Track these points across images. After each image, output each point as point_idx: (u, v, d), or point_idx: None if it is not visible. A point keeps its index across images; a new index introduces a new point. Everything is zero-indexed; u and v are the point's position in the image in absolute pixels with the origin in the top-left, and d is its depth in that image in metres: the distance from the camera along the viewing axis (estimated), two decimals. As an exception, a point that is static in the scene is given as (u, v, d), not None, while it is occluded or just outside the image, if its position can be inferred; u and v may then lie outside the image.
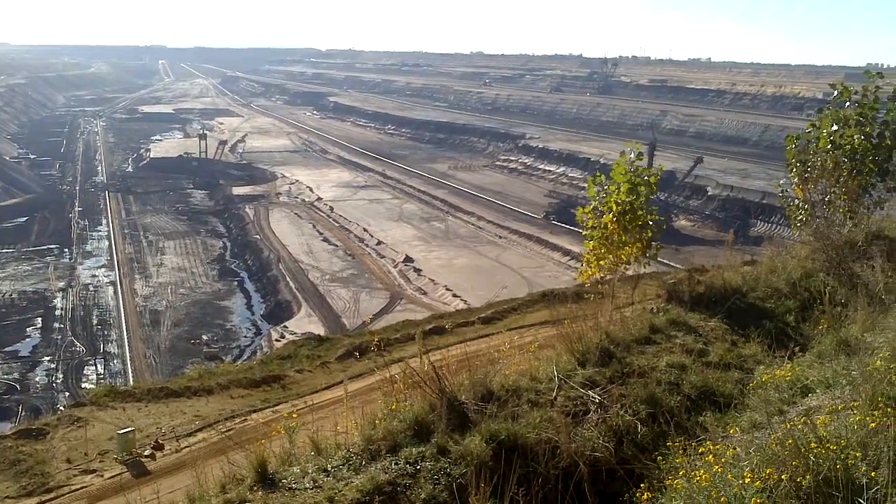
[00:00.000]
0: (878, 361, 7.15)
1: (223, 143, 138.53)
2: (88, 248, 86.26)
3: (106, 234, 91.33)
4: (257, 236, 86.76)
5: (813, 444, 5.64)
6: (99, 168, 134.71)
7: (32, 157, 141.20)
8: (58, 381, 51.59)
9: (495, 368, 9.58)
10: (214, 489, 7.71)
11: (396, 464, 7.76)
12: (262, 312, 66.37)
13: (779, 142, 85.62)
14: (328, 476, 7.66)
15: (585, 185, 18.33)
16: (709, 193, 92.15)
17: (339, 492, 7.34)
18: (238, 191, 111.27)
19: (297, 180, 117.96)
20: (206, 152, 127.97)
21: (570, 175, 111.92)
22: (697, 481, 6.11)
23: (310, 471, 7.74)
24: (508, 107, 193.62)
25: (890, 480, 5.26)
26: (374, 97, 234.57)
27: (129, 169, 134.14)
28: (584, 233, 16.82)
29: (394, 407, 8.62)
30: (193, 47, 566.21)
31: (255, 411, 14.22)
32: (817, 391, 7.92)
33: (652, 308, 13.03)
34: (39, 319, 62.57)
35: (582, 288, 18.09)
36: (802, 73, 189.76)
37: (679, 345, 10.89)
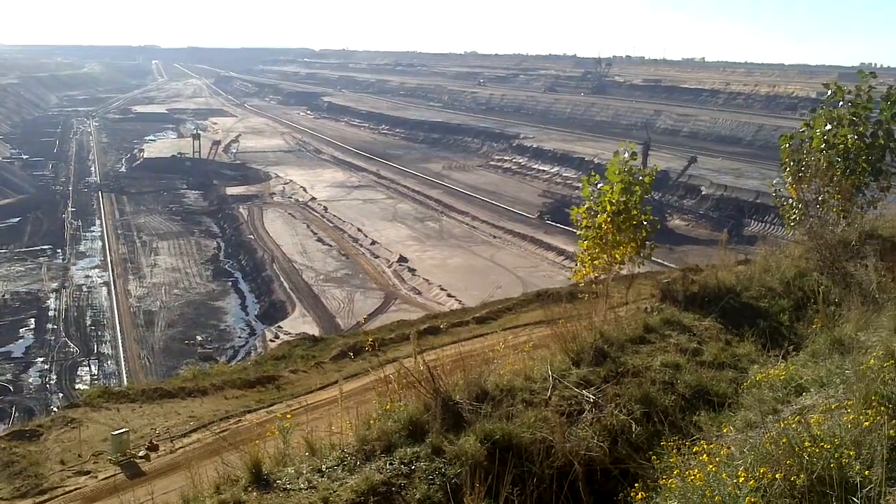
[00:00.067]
0: (872, 360, 7.16)
1: (217, 143, 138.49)
2: (82, 248, 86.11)
3: (99, 234, 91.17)
4: (251, 236, 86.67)
5: (807, 443, 5.64)
6: (92, 168, 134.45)
7: (25, 157, 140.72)
8: (51, 382, 51.50)
9: (490, 368, 9.57)
10: (209, 490, 7.69)
11: (391, 464, 7.75)
12: (256, 313, 66.34)
13: (772, 141, 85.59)
14: (323, 476, 7.64)
15: (580, 184, 18.32)
16: (703, 193, 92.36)
17: (334, 492, 7.33)
18: (232, 191, 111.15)
19: (290, 180, 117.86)
20: (199, 152, 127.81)
21: (564, 175, 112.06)
22: (692, 480, 6.11)
23: (304, 471, 7.72)
24: (503, 107, 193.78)
25: (884, 479, 5.27)
26: (368, 97, 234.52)
27: (123, 169, 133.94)
28: (578, 232, 16.83)
29: (388, 407, 8.61)
30: (187, 47, 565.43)
31: (249, 412, 14.19)
32: (811, 390, 7.93)
33: (646, 307, 13.03)
34: (33, 320, 62.43)
35: (576, 288, 18.07)
36: (796, 73, 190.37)
37: (673, 344, 10.89)
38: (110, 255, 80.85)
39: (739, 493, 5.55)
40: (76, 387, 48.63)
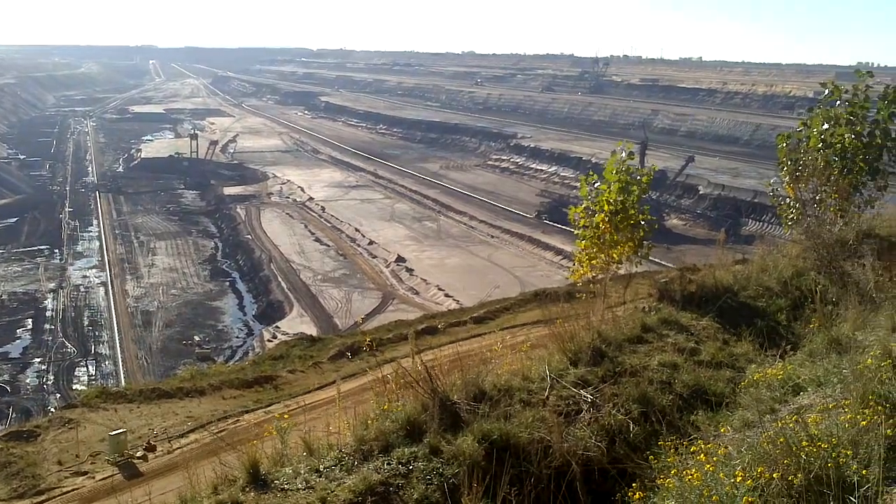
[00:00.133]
0: (869, 360, 7.17)
1: (214, 143, 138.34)
2: (79, 248, 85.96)
3: (97, 234, 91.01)
4: (249, 236, 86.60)
5: (804, 443, 5.65)
6: (89, 168, 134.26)
7: (22, 157, 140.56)
8: (49, 382, 51.40)
9: (487, 368, 9.58)
10: (206, 490, 7.69)
11: (389, 464, 7.75)
12: (253, 313, 66.25)
13: (770, 141, 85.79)
14: (320, 477, 7.64)
15: (577, 184, 18.35)
16: (700, 192, 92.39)
17: (332, 492, 7.33)
18: (229, 191, 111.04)
19: (288, 180, 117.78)
20: (197, 152, 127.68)
21: (561, 174, 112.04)
22: (689, 480, 6.12)
23: (302, 471, 7.73)
24: (500, 106, 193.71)
25: (881, 478, 5.28)
26: (365, 97, 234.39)
27: (120, 169, 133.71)
28: (575, 232, 16.85)
29: (386, 407, 8.61)
30: (184, 47, 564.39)
31: (247, 412, 14.20)
32: (809, 390, 7.94)
33: (644, 307, 13.05)
34: (30, 321, 62.29)
35: (574, 287, 18.09)
36: (793, 73, 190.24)
37: (671, 344, 10.90)
38: (108, 256, 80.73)
39: (737, 493, 5.56)
40: (74, 387, 48.53)
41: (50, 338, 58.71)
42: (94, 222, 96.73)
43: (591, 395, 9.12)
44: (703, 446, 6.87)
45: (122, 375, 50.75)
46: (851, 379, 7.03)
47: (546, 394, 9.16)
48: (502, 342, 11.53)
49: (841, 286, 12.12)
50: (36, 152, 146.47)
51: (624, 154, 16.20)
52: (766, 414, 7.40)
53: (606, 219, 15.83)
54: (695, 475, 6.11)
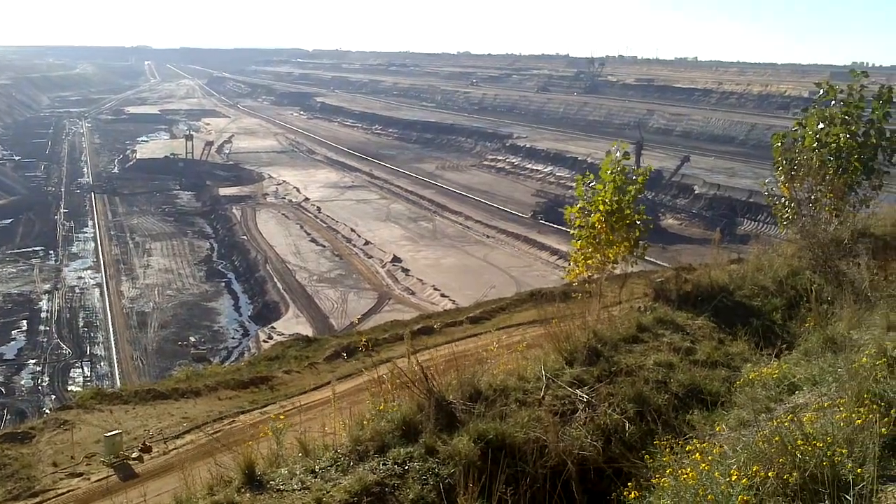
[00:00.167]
0: (864, 358, 7.18)
1: (210, 143, 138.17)
2: (74, 249, 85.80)
3: (92, 235, 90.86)
4: (244, 237, 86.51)
5: (799, 442, 5.65)
6: (84, 169, 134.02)
7: (17, 158, 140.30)
8: (44, 383, 51.30)
9: (483, 368, 9.58)
10: (202, 491, 7.68)
11: (384, 464, 7.74)
12: (249, 313, 66.20)
13: (765, 140, 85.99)
14: (316, 477, 7.64)
15: (573, 184, 18.37)
16: (696, 192, 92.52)
17: (327, 493, 7.32)
18: (225, 192, 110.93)
19: (284, 181, 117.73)
20: (192, 153, 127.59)
21: (557, 174, 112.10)
22: (684, 479, 6.12)
23: (297, 472, 7.72)
24: (496, 106, 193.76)
25: (875, 477, 5.28)
26: (361, 97, 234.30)
27: (115, 170, 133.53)
28: (571, 232, 16.84)
29: (382, 407, 8.61)
30: (180, 48, 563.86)
31: (242, 413, 14.17)
32: (804, 388, 7.95)
33: (639, 307, 13.06)
34: (25, 322, 62.19)
35: (570, 287, 18.11)
36: (788, 72, 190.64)
37: (666, 343, 10.92)
38: (103, 257, 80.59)
39: (732, 492, 5.56)
40: (69, 388, 48.47)
41: (45, 339, 58.60)
42: (90, 223, 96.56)
43: (586, 394, 9.13)
44: (698, 445, 6.87)
45: (117, 376, 50.68)
46: (846, 378, 7.05)
47: (542, 393, 9.16)
48: (498, 342, 11.55)
49: (836, 285, 12.13)
50: (31, 153, 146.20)
51: (619, 154, 16.20)
52: (761, 413, 7.41)
53: (602, 219, 15.83)
54: (690, 474, 6.11)
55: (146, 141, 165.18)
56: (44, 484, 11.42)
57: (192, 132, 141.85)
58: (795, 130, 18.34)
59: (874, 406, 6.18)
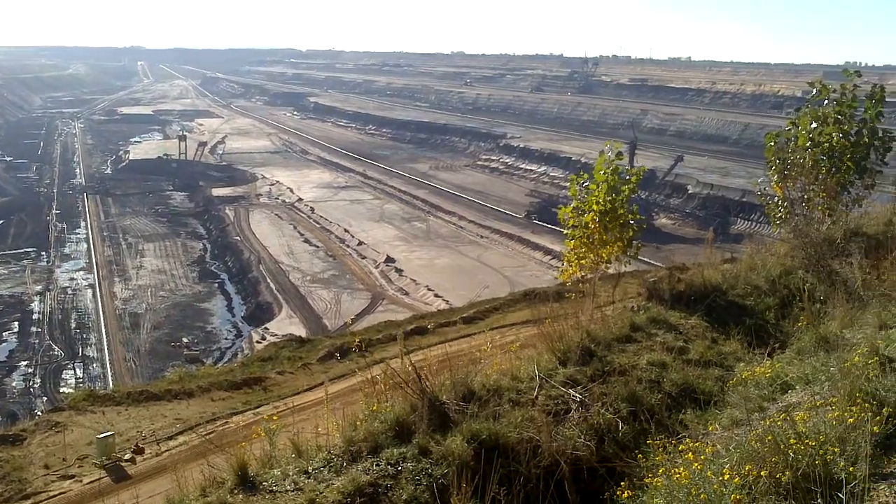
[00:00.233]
0: (857, 357, 7.19)
1: (203, 144, 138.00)
2: (66, 250, 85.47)
3: (84, 236, 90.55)
4: (237, 238, 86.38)
5: (792, 440, 5.66)
6: (77, 170, 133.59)
7: (9, 159, 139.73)
8: (35, 385, 51.11)
9: (477, 368, 9.57)
10: (195, 493, 7.65)
11: (378, 465, 7.73)
12: (242, 314, 66.06)
13: (758, 140, 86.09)
14: (309, 478, 7.62)
15: (566, 184, 18.37)
16: (689, 192, 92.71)
17: (321, 493, 7.30)
18: (218, 192, 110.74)
19: (277, 181, 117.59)
20: (185, 154, 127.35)
21: (551, 174, 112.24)
22: (677, 479, 6.13)
23: (290, 473, 7.70)
24: (489, 106, 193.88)
25: (867, 475, 5.29)
26: (354, 97, 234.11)
27: (108, 171, 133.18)
28: (565, 232, 16.87)
29: (375, 408, 8.59)
30: (173, 48, 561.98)
31: (235, 414, 14.14)
32: (797, 387, 7.96)
33: (633, 306, 13.07)
34: (16, 324, 61.92)
35: (563, 287, 18.10)
36: (782, 72, 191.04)
37: (660, 343, 10.93)
38: (95, 258, 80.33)
39: (725, 491, 5.56)
40: (61, 390, 48.25)
41: (37, 341, 58.37)
42: (82, 224, 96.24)
43: (580, 394, 9.13)
44: (691, 445, 6.88)
45: (109, 378, 50.51)
46: (839, 376, 7.05)
47: (535, 393, 9.15)
48: (492, 342, 11.52)
49: (829, 284, 12.16)
50: (23, 154, 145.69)
51: (612, 154, 16.23)
52: (754, 412, 7.41)
53: (596, 218, 15.85)
54: (683, 473, 6.11)
55: (139, 142, 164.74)
56: (35, 486, 11.37)
57: (185, 133, 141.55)
58: (788, 130, 18.41)
59: (866, 405, 6.19)
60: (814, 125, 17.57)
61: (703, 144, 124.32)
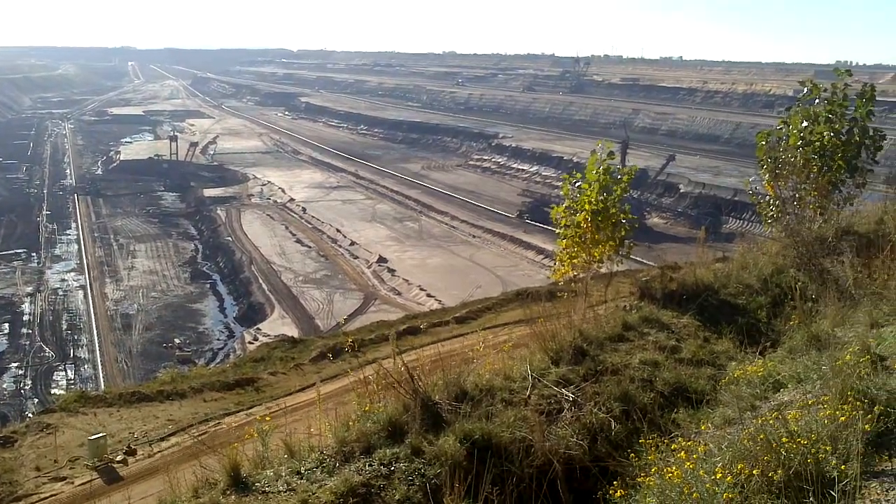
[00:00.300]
0: (848, 356, 7.21)
1: (194, 144, 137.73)
2: (57, 251, 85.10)
3: (75, 237, 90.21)
4: (229, 238, 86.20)
5: (784, 439, 5.67)
6: (67, 171, 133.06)
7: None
8: (26, 387, 50.88)
9: (469, 368, 9.57)
10: (187, 494, 7.64)
11: (370, 465, 7.72)
12: (234, 315, 65.92)
13: (750, 139, 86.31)
14: (302, 478, 7.60)
15: (559, 183, 18.42)
16: (681, 191, 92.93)
17: (313, 494, 7.29)
18: (209, 193, 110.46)
19: (269, 181, 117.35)
20: (176, 154, 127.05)
21: (543, 174, 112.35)
22: (670, 478, 6.14)
23: (283, 474, 7.68)
24: (481, 106, 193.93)
25: (859, 473, 5.30)
26: (346, 97, 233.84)
27: (99, 171, 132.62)
28: (557, 231, 16.89)
29: (367, 408, 8.58)
30: (163, 49, 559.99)
31: (228, 414, 14.12)
32: (788, 386, 7.98)
33: (625, 306, 13.09)
34: (7, 325, 61.62)
35: (555, 286, 18.12)
36: (773, 71, 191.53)
37: (652, 342, 10.94)
38: (86, 259, 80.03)
39: (717, 490, 5.57)
40: (52, 392, 48.07)
41: (27, 342, 58.12)
42: (73, 225, 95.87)
43: (572, 393, 9.13)
44: (683, 444, 6.89)
45: (101, 379, 50.33)
46: (830, 375, 7.07)
47: (528, 393, 9.15)
48: (484, 342, 11.52)
49: (820, 283, 12.19)
50: (12, 155, 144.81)
51: (604, 154, 16.26)
52: (746, 411, 7.43)
53: (588, 218, 15.88)
54: (675, 472, 6.12)
55: (130, 142, 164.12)
56: (27, 488, 11.32)
57: (176, 133, 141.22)
58: (780, 129, 18.46)
59: (858, 403, 6.21)
60: (805, 124, 17.61)
61: (694, 144, 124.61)
